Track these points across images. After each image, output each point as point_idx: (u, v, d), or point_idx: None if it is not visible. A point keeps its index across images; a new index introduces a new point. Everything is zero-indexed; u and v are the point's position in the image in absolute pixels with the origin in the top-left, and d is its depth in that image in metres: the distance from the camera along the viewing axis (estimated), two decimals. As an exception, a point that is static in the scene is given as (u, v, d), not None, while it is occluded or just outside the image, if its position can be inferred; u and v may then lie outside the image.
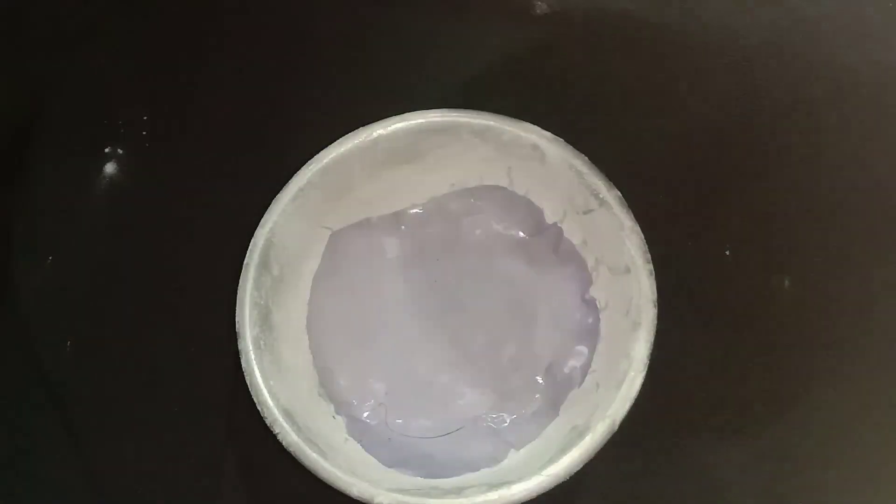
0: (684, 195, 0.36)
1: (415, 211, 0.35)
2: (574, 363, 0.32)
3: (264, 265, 0.31)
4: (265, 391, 0.28)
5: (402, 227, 0.35)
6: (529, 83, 0.39)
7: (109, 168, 0.38)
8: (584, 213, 0.32)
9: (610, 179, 0.31)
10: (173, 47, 0.41)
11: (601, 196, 0.31)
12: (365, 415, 0.32)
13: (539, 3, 0.40)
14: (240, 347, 0.29)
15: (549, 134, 0.32)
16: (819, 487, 0.32)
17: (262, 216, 0.31)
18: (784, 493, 0.32)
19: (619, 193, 0.31)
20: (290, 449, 0.28)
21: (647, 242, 0.30)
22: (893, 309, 0.34)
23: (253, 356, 0.29)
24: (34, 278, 0.36)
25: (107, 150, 0.39)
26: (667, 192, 0.36)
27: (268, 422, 0.28)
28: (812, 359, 0.33)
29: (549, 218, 0.34)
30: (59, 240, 0.37)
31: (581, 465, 0.27)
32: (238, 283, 0.30)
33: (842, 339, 0.34)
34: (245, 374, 0.29)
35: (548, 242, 0.34)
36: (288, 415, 0.28)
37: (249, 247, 0.31)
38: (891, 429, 0.32)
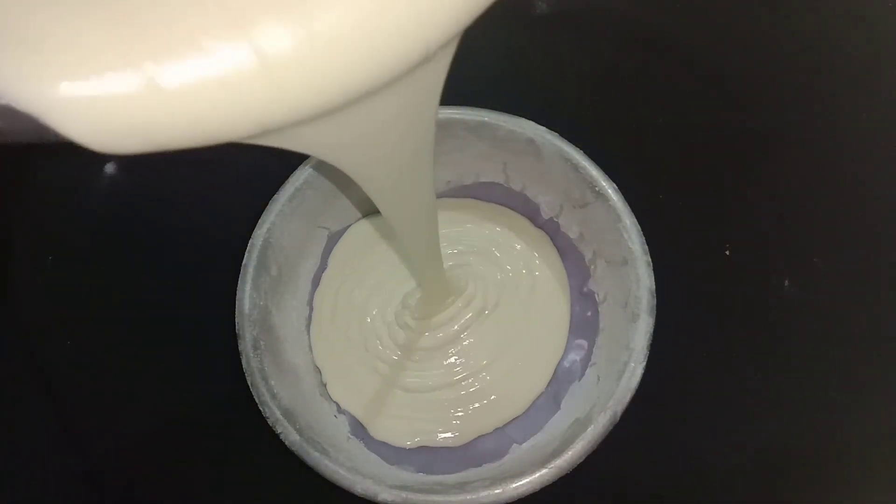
0: (684, 194, 0.35)
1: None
2: (574, 357, 0.30)
3: (263, 266, 0.29)
4: (266, 391, 0.27)
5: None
6: (528, 82, 0.37)
7: (109, 168, 0.36)
8: (581, 206, 0.30)
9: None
10: None
11: (597, 189, 0.29)
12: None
13: (539, 3, 0.38)
14: (240, 348, 0.27)
15: (543, 128, 0.31)
16: (817, 483, 0.30)
17: (259, 217, 0.29)
18: (782, 488, 0.30)
19: (615, 185, 0.29)
20: (293, 448, 0.26)
21: (645, 242, 0.28)
22: (893, 308, 0.33)
23: (253, 357, 0.27)
24: (34, 278, 0.34)
25: None
26: (666, 192, 0.35)
27: (269, 422, 0.26)
28: (811, 357, 0.32)
29: (546, 213, 0.32)
30: (59, 240, 0.35)
31: (583, 458, 0.26)
32: (237, 283, 0.28)
33: (841, 339, 0.32)
34: (246, 374, 0.27)
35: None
36: (289, 414, 0.26)
37: (247, 248, 0.29)
38: (891, 428, 0.31)
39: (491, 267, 0.32)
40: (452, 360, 0.30)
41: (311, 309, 0.31)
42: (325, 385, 0.30)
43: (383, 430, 0.29)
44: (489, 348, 0.30)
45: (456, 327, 0.30)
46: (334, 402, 0.30)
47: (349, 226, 0.33)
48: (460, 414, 0.29)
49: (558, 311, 0.31)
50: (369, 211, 0.33)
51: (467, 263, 0.32)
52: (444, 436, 0.29)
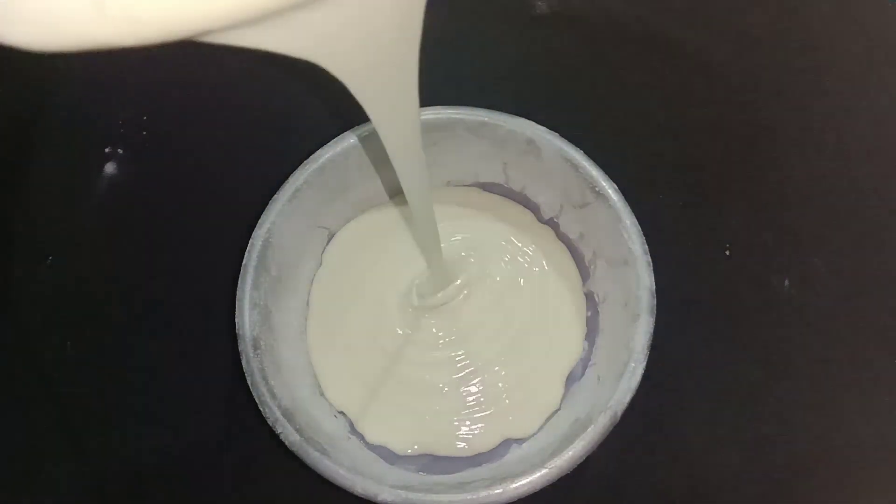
0: (684, 194, 0.35)
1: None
2: (574, 357, 0.30)
3: (263, 266, 0.29)
4: (266, 391, 0.26)
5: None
6: (528, 82, 0.37)
7: (109, 168, 0.36)
8: (581, 206, 0.30)
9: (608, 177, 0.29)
10: (173, 48, 0.38)
11: (597, 189, 0.29)
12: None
13: (539, 3, 0.38)
14: (240, 348, 0.27)
15: (543, 128, 0.31)
16: (817, 483, 0.30)
17: (259, 217, 0.29)
18: (781, 487, 0.30)
19: (615, 185, 0.29)
20: (293, 448, 0.26)
21: (645, 242, 0.28)
22: (892, 308, 0.33)
23: (253, 357, 0.27)
24: (34, 278, 0.34)
25: (107, 150, 0.37)
26: (666, 192, 0.35)
27: (269, 422, 0.26)
28: (811, 357, 0.32)
29: (546, 213, 0.32)
30: (59, 240, 0.35)
31: (583, 458, 0.26)
32: (237, 283, 0.28)
33: (841, 339, 0.32)
34: (246, 374, 0.27)
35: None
36: (289, 414, 0.26)
37: (248, 248, 0.29)
38: (890, 428, 0.31)
39: (497, 260, 0.32)
40: (469, 388, 0.29)
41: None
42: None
43: (380, 437, 0.29)
44: (501, 362, 0.30)
45: (458, 328, 0.30)
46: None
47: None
48: (469, 432, 0.29)
49: (573, 317, 0.30)
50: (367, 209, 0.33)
51: (471, 253, 0.32)
52: (448, 448, 0.29)
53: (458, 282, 0.31)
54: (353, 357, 0.30)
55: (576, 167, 0.30)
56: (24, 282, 0.34)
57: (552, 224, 0.32)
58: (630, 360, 0.26)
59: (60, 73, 0.38)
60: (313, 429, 0.27)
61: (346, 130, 0.30)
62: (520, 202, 0.33)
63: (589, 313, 0.31)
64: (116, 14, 0.12)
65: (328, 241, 0.32)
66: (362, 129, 0.30)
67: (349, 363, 0.30)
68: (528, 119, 0.30)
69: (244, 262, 0.28)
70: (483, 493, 0.25)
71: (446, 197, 0.33)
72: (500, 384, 0.29)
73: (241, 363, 0.27)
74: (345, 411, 0.29)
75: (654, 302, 0.27)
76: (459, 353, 0.30)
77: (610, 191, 0.29)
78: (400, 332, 0.30)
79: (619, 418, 0.26)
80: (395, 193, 0.33)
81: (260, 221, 0.29)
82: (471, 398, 0.29)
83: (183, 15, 0.13)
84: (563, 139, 0.30)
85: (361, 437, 0.29)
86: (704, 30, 0.38)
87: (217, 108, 0.37)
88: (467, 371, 0.30)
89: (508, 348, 0.30)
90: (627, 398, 0.26)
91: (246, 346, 0.27)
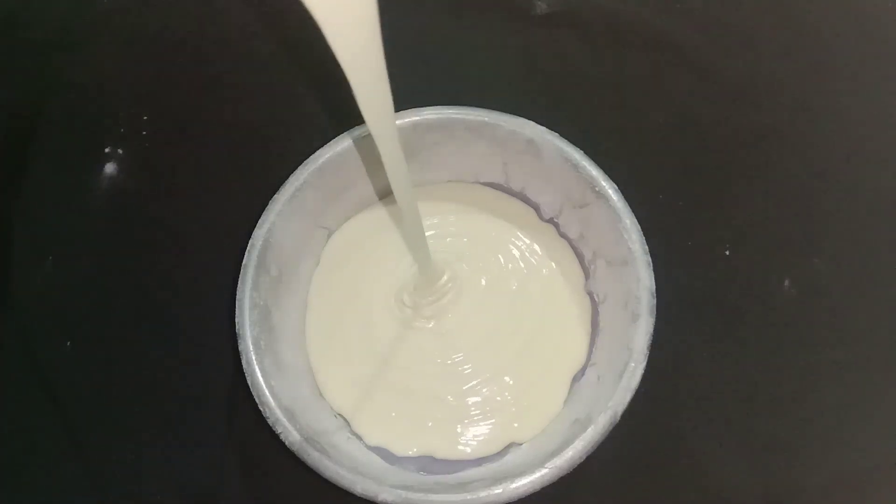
0: (684, 194, 0.35)
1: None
2: (574, 357, 0.30)
3: (262, 266, 0.29)
4: (266, 391, 0.26)
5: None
6: (528, 82, 0.37)
7: (109, 168, 0.36)
8: (581, 206, 0.30)
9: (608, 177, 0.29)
10: (173, 48, 0.39)
11: (597, 189, 0.29)
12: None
13: (539, 3, 0.38)
14: (240, 348, 0.27)
15: (543, 128, 0.31)
16: (817, 484, 0.30)
17: (259, 217, 0.29)
18: (781, 487, 0.30)
19: (615, 185, 0.29)
20: (293, 448, 0.26)
21: (645, 242, 0.28)
22: (892, 308, 0.33)
23: (254, 356, 0.27)
24: (34, 278, 0.34)
25: (107, 150, 0.37)
26: (666, 192, 0.35)
27: (270, 422, 0.26)
28: (811, 357, 0.32)
29: (546, 213, 0.32)
30: (59, 240, 0.35)
31: (583, 458, 0.25)
32: (237, 283, 0.28)
33: (840, 339, 0.32)
34: (246, 374, 0.27)
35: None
36: (289, 414, 0.26)
37: (248, 248, 0.29)
38: (890, 427, 0.31)
39: (508, 259, 0.32)
40: (475, 398, 0.29)
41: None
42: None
43: (378, 439, 0.29)
44: (509, 369, 0.30)
45: (463, 335, 0.30)
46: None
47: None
48: (473, 439, 0.29)
49: (578, 319, 0.30)
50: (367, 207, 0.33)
51: (476, 251, 0.32)
52: (451, 452, 0.28)
53: (446, 282, 0.31)
54: (352, 361, 0.30)
55: (576, 167, 0.30)
56: (24, 282, 0.34)
57: (552, 224, 0.32)
58: (630, 360, 0.26)
59: (60, 73, 0.38)
60: (313, 429, 0.27)
61: (345, 131, 0.30)
62: (520, 202, 0.33)
63: (589, 314, 0.31)
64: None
65: (328, 241, 0.32)
66: (362, 130, 0.30)
67: (348, 367, 0.30)
68: (528, 119, 0.30)
69: (244, 262, 0.28)
70: (483, 493, 0.25)
71: (447, 194, 0.33)
72: (506, 393, 0.29)
73: (241, 363, 0.27)
74: (344, 415, 0.29)
75: (654, 302, 0.27)
76: (467, 366, 0.30)
77: (610, 191, 0.29)
78: (396, 336, 0.30)
79: (619, 418, 0.26)
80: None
81: (260, 221, 0.29)
82: (475, 409, 0.29)
83: None
84: (563, 139, 0.30)
85: (361, 438, 0.29)
86: (704, 30, 0.38)
87: (217, 109, 0.37)
88: (473, 382, 0.29)
89: (516, 355, 0.30)
90: (627, 398, 0.26)
91: (246, 346, 0.27)
